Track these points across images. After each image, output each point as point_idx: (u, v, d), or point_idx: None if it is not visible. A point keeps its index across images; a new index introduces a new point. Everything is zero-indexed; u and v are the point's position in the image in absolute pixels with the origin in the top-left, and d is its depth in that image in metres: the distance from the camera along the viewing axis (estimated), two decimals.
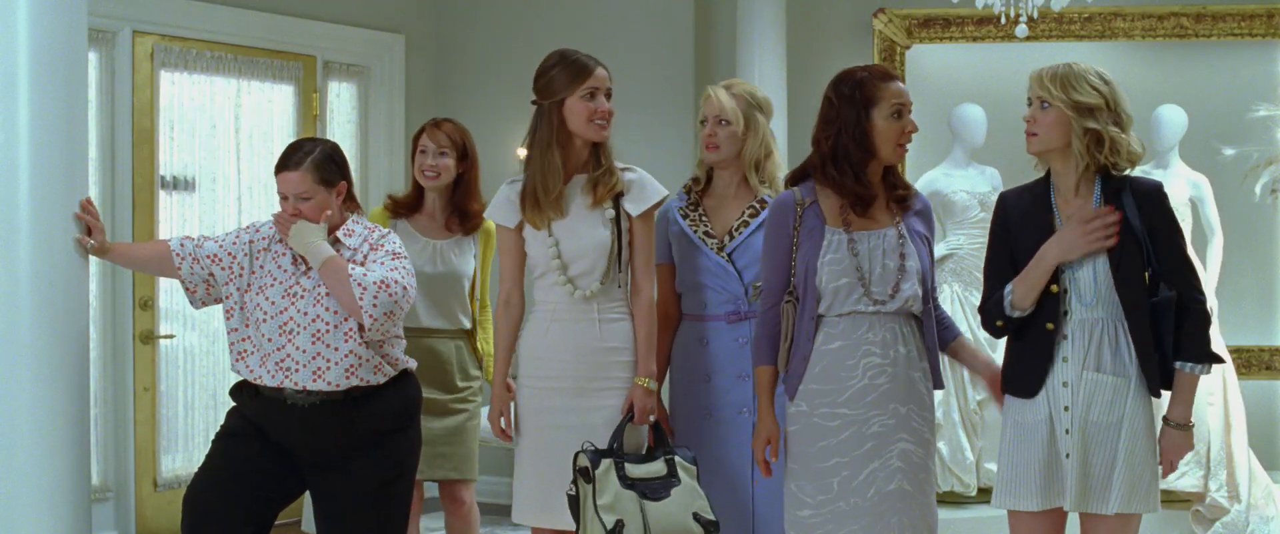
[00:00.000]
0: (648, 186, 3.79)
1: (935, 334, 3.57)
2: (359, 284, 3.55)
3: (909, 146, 3.56)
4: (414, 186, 4.53)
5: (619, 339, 3.75)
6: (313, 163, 3.65)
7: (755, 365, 3.62)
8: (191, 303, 3.80)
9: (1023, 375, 3.42)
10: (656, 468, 3.63)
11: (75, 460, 3.54)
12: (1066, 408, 3.33)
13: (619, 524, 3.52)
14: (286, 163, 3.67)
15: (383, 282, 3.56)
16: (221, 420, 3.82)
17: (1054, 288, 3.36)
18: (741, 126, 3.91)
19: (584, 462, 3.58)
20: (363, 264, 3.65)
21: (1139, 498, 3.31)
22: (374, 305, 3.55)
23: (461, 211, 4.48)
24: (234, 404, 3.78)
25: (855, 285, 3.46)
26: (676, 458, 3.66)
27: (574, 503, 3.59)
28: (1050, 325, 3.37)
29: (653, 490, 3.58)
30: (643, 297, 3.79)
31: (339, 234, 3.70)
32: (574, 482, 3.60)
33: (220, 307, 3.80)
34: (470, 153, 4.50)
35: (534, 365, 3.81)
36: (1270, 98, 5.90)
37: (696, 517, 3.59)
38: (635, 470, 3.59)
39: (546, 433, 3.76)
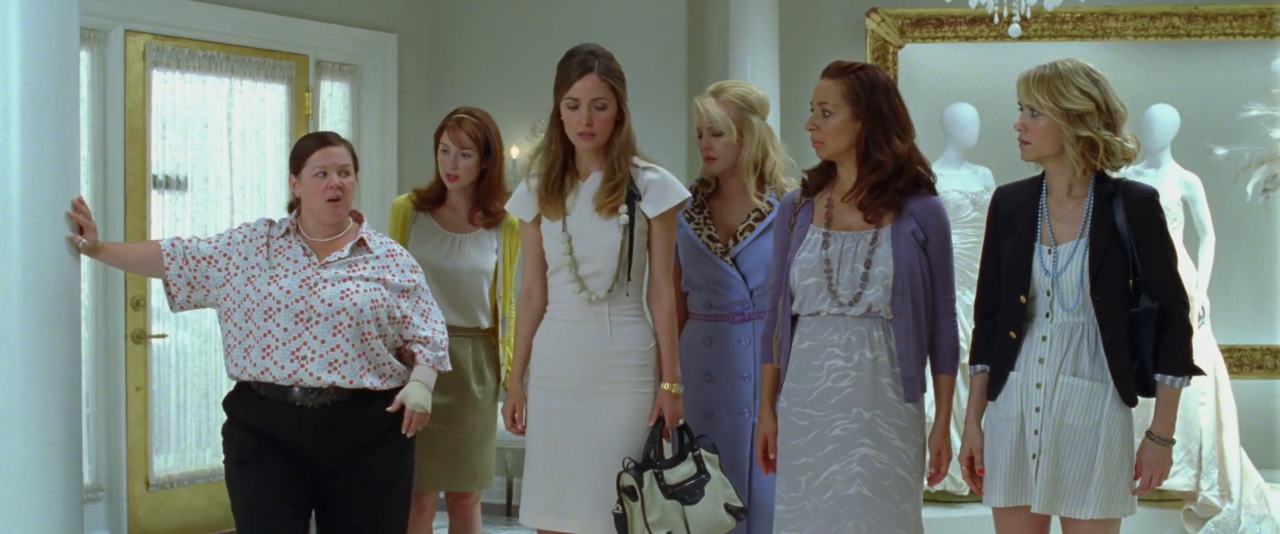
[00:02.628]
0: (668, 188, 3.70)
1: (913, 342, 3.44)
2: (442, 361, 3.83)
3: (821, 143, 3.49)
4: (436, 179, 4.42)
5: (627, 343, 3.72)
6: (347, 145, 3.80)
7: (763, 363, 3.64)
8: (170, 305, 3.77)
9: (992, 376, 3.42)
10: (687, 469, 3.63)
11: (67, 460, 3.52)
12: (1037, 409, 3.31)
13: None
14: (327, 139, 3.76)
15: (445, 339, 3.85)
16: (213, 420, 3.82)
17: (1022, 298, 3.34)
18: (734, 134, 3.90)
19: (629, 481, 3.58)
20: (388, 276, 3.73)
21: (1117, 503, 3.29)
22: (443, 360, 3.84)
23: (484, 207, 4.38)
24: (231, 419, 3.75)
25: (822, 285, 3.46)
26: (702, 453, 3.66)
27: (621, 522, 3.59)
28: (1013, 334, 3.36)
29: (689, 493, 3.60)
30: (663, 300, 3.74)
31: (362, 235, 3.75)
32: (619, 501, 3.60)
33: (203, 309, 3.79)
34: (494, 148, 4.36)
35: (543, 366, 3.79)
36: (1263, 97, 5.92)
37: (727, 507, 3.62)
38: (671, 476, 3.60)
39: (554, 435, 3.74)
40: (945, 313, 3.50)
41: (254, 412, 3.68)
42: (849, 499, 3.42)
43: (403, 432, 3.72)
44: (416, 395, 3.73)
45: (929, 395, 3.54)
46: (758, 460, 3.65)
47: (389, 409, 3.69)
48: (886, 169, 3.44)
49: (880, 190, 3.45)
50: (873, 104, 3.44)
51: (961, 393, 5.28)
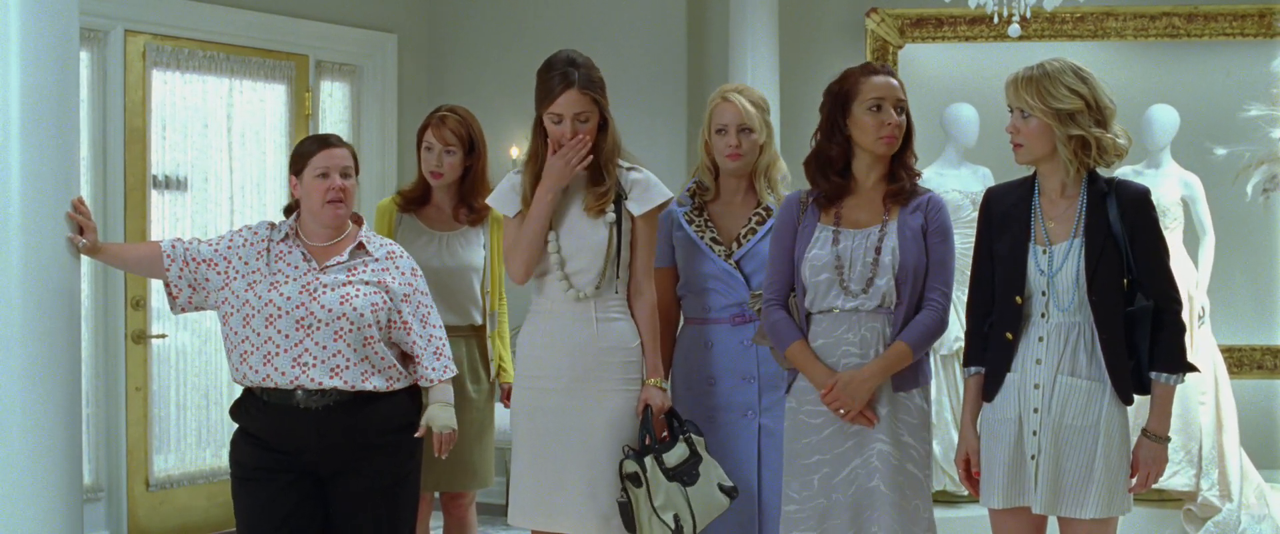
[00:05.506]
0: (652, 188, 3.75)
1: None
2: (448, 368, 3.78)
3: (897, 138, 3.54)
4: (419, 179, 4.42)
5: (615, 339, 3.74)
6: (348, 147, 3.78)
7: (785, 350, 3.59)
8: (171, 307, 3.76)
9: (988, 378, 3.42)
10: (682, 451, 3.65)
11: (67, 460, 3.52)
12: (1036, 410, 3.32)
13: (677, 519, 3.57)
14: (329, 141, 3.74)
15: (446, 344, 3.81)
16: (213, 420, 3.81)
17: (1018, 299, 3.35)
18: (764, 135, 3.93)
19: (632, 467, 3.60)
20: (388, 279, 3.70)
21: (1117, 501, 3.30)
22: (449, 367, 3.82)
23: (469, 204, 4.38)
24: (238, 430, 3.74)
25: (833, 280, 3.48)
26: (691, 436, 3.69)
27: (626, 509, 3.61)
28: (1009, 335, 3.36)
29: (687, 475, 3.62)
30: (644, 298, 3.78)
31: (361, 239, 3.74)
32: (623, 489, 3.62)
33: (204, 311, 3.78)
34: (478, 144, 4.37)
35: (529, 365, 3.80)
36: (1263, 97, 5.92)
37: (720, 487, 3.66)
38: (669, 459, 3.62)
39: (543, 434, 3.75)
40: (931, 301, 3.53)
41: (259, 418, 3.67)
42: (870, 492, 3.46)
43: (437, 454, 3.75)
44: (442, 418, 3.73)
45: (931, 388, 3.57)
46: (847, 412, 3.49)
47: (416, 435, 3.71)
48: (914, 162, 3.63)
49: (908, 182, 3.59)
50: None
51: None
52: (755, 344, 3.83)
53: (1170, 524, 5.90)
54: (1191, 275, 5.88)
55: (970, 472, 3.46)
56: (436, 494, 4.51)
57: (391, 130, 6.76)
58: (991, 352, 3.41)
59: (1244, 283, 6.52)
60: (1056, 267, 3.32)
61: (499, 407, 4.46)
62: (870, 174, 3.57)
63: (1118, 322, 3.28)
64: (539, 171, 3.73)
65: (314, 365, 3.60)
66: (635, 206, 3.73)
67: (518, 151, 6.58)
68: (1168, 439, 3.36)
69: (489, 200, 3.96)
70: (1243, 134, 5.94)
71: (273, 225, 3.80)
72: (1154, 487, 3.45)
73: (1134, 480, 3.33)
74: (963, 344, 3.58)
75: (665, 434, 3.71)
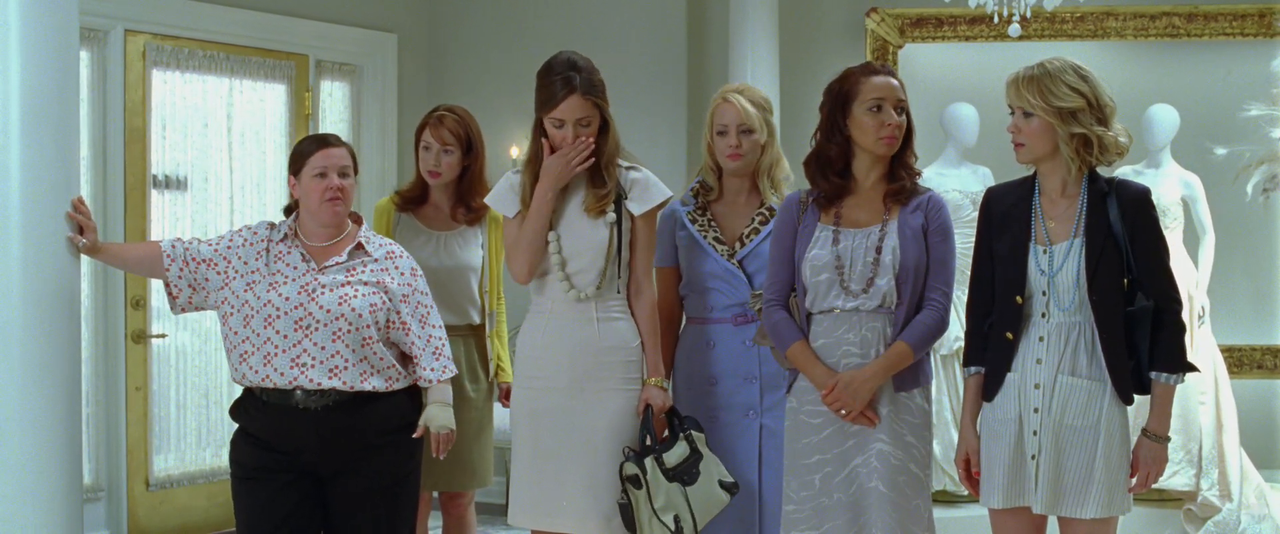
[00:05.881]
0: (651, 187, 3.76)
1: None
2: (447, 368, 3.76)
3: (897, 138, 3.54)
4: (417, 178, 4.43)
5: (616, 339, 3.74)
6: (347, 147, 3.77)
7: (785, 351, 3.59)
8: (171, 307, 3.75)
9: (988, 378, 3.42)
10: (682, 450, 3.66)
11: (67, 460, 3.52)
12: (1036, 410, 3.32)
13: (677, 520, 3.58)
14: (327, 141, 3.73)
15: (446, 345, 3.79)
16: (213, 420, 3.80)
17: (1018, 299, 3.35)
18: (764, 135, 3.92)
19: (633, 469, 3.60)
20: (387, 279, 3.69)
21: (1117, 501, 3.30)
22: (449, 367, 3.80)
23: (467, 204, 4.39)
24: (238, 430, 3.74)
25: (834, 280, 3.48)
26: (692, 434, 3.69)
27: (627, 511, 3.62)
28: (1010, 335, 3.36)
29: (687, 474, 3.63)
30: (645, 297, 3.79)
31: (360, 239, 3.74)
32: (624, 491, 3.62)
33: (204, 312, 3.78)
34: (475, 144, 4.38)
35: (529, 366, 3.80)
36: (1263, 97, 5.92)
37: (721, 483, 3.66)
38: (669, 459, 3.63)
39: (543, 435, 3.75)
40: (932, 300, 3.53)
41: (258, 418, 3.67)
42: (870, 492, 3.46)
43: (434, 454, 3.74)
44: (440, 418, 3.72)
45: (932, 388, 3.58)
46: (848, 412, 3.49)
47: (414, 435, 3.70)
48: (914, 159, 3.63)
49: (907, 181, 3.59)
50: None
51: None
52: (756, 344, 3.83)
53: (1170, 524, 5.90)
54: (1191, 275, 5.88)
55: (970, 472, 3.46)
56: (435, 494, 4.51)
57: (391, 130, 6.76)
58: (991, 351, 3.41)
59: (1244, 283, 6.52)
60: (1057, 266, 3.32)
61: (498, 406, 4.46)
62: (870, 174, 3.57)
63: (1118, 321, 3.28)
64: (538, 174, 3.74)
65: (312, 366, 3.60)
66: (635, 206, 3.74)
67: (517, 151, 6.58)
68: (1168, 439, 3.36)
69: (487, 200, 3.97)
70: (1243, 134, 5.94)
71: (272, 225, 3.80)
72: (1154, 487, 3.46)
73: (1134, 480, 3.34)
74: (963, 344, 3.58)
75: (666, 434, 3.72)
